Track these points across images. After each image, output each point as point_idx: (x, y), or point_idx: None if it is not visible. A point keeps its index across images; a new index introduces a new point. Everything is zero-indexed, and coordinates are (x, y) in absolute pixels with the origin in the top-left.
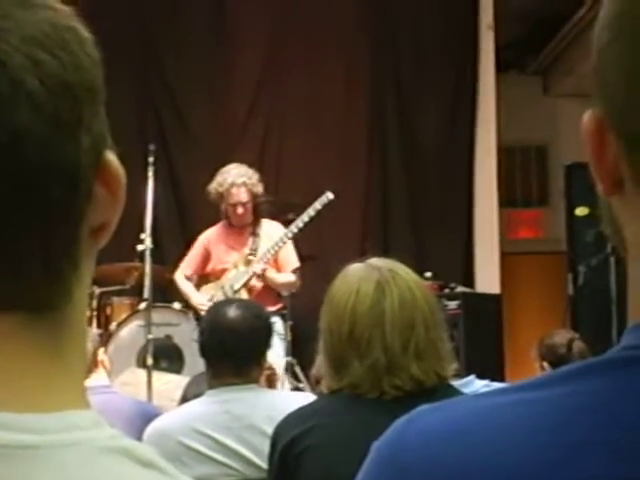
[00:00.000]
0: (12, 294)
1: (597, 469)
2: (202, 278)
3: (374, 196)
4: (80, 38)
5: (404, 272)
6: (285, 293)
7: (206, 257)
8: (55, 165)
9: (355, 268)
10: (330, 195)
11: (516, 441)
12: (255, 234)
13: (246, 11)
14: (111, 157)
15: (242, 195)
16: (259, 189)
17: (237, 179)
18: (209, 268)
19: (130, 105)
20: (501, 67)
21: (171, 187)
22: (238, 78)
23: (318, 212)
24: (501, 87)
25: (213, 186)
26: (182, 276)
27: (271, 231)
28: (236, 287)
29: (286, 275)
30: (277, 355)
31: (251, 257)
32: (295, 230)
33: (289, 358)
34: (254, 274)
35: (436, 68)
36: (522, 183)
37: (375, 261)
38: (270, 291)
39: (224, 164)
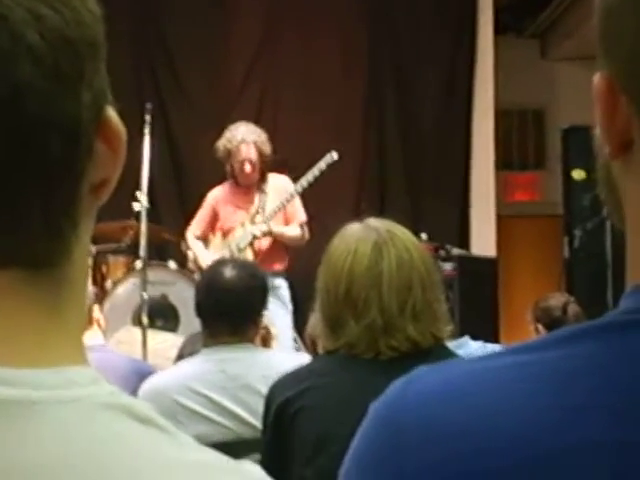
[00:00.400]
0: (11, 250)
1: (596, 433)
2: (206, 237)
3: (371, 158)
4: None
5: (402, 233)
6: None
7: (214, 217)
8: (55, 120)
9: (353, 228)
10: (335, 155)
11: (515, 403)
12: (262, 191)
13: None
14: (112, 113)
15: (251, 152)
16: (267, 148)
17: (247, 136)
18: (217, 228)
19: (127, 63)
20: (499, 30)
21: (167, 147)
22: (236, 42)
23: (322, 172)
24: (498, 50)
25: (222, 142)
26: (192, 236)
27: (278, 184)
28: (242, 246)
29: (293, 228)
30: (285, 326)
31: (258, 216)
32: (299, 189)
33: None
34: (254, 237)
35: (435, 31)
36: (519, 146)
37: (373, 222)
38: (277, 250)
39: (220, 126)
